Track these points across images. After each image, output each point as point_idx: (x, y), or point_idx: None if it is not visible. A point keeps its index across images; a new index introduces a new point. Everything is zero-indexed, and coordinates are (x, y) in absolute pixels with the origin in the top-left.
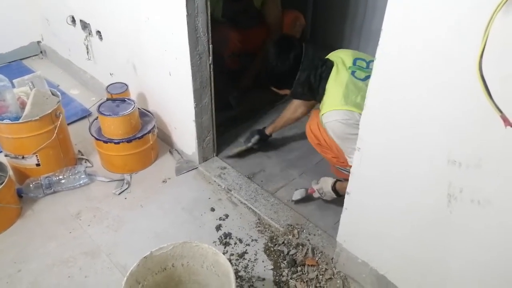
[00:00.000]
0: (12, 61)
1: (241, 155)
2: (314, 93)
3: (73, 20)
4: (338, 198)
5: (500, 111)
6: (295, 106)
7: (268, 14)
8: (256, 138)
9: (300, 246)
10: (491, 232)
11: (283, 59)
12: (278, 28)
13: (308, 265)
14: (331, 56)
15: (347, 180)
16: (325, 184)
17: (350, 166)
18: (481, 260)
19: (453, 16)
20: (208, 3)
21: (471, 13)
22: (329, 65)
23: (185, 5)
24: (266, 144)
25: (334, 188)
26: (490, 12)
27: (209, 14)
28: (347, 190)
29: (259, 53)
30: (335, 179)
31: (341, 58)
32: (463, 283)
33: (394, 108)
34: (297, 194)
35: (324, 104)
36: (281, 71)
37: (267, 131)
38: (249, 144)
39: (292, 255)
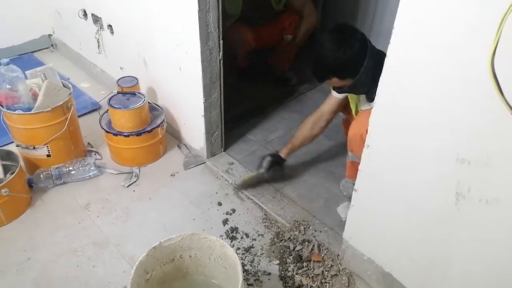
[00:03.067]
0: (24, 54)
1: (252, 185)
2: (374, 84)
3: (85, 14)
4: None
5: None
6: (313, 122)
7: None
8: (268, 160)
9: (306, 242)
10: (498, 231)
11: (350, 44)
12: (309, 12)
13: (314, 261)
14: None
15: None
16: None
17: None
18: (487, 259)
19: (465, 15)
20: None
21: (484, 11)
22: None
23: (197, 0)
24: (282, 170)
25: None
26: (503, 10)
27: (220, 9)
28: (355, 187)
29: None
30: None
31: None
32: (469, 281)
33: (404, 105)
34: (344, 210)
35: None
36: (348, 57)
37: (282, 154)
38: (262, 170)
39: (298, 250)
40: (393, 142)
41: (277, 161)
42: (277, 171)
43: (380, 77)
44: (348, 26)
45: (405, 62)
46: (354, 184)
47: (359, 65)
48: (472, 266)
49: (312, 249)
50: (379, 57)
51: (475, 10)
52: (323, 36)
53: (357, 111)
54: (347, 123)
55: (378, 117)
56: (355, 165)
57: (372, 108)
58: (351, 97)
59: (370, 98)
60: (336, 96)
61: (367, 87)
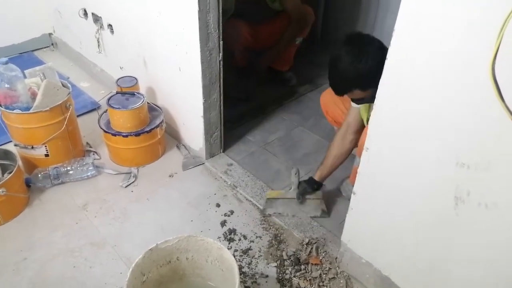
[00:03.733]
0: (24, 52)
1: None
2: None
3: (85, 13)
4: None
5: None
6: (341, 138)
7: (286, 2)
8: (303, 188)
9: (304, 245)
10: (497, 236)
11: (372, 53)
12: (299, 17)
13: (311, 263)
14: None
15: None
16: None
17: None
18: (486, 263)
19: (467, 19)
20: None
21: (485, 15)
22: None
23: (197, 0)
24: (315, 197)
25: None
26: (504, 15)
27: (220, 10)
28: (354, 190)
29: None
30: None
31: None
32: (468, 285)
33: (403, 109)
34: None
35: None
36: (370, 66)
37: (316, 178)
38: (294, 192)
39: (296, 253)
40: (393, 145)
41: (313, 187)
42: (312, 200)
43: (380, 80)
44: (362, 35)
45: (405, 65)
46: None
47: (380, 74)
48: (471, 271)
49: (310, 252)
50: None
51: (477, 14)
52: (339, 49)
53: (368, 120)
54: None
55: (378, 120)
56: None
57: None
58: (364, 106)
59: None
60: (356, 106)
61: None
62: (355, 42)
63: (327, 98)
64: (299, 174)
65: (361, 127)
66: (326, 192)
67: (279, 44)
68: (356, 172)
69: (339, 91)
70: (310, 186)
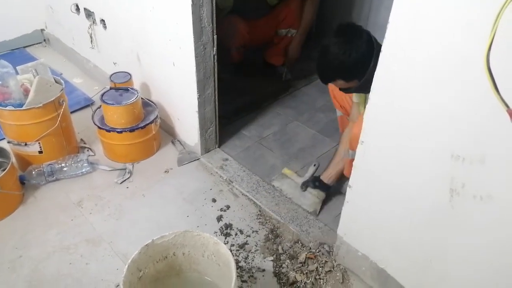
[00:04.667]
0: (15, 49)
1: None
2: None
3: (77, 8)
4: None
5: (507, 106)
6: (346, 136)
7: None
8: (307, 181)
9: (299, 241)
10: (492, 228)
11: (356, 47)
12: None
13: (308, 257)
14: None
15: None
16: None
17: None
18: (481, 255)
19: (461, 9)
20: None
21: (480, 6)
22: None
23: None
24: (317, 197)
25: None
26: (499, 6)
27: (214, 4)
28: (349, 183)
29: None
30: None
31: None
32: (462, 277)
33: (398, 101)
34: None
35: None
36: (355, 58)
37: (325, 179)
38: (302, 189)
39: (292, 247)
40: (388, 138)
41: (313, 183)
42: (312, 195)
43: (375, 73)
44: (352, 27)
45: (400, 58)
46: None
47: (365, 66)
48: (466, 263)
49: (305, 246)
50: None
51: (472, 7)
52: (328, 39)
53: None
54: (343, 120)
55: (373, 113)
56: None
57: None
58: (360, 97)
59: None
60: (356, 101)
61: None
62: (344, 33)
63: None
64: (317, 168)
65: None
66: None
67: (302, 28)
68: (349, 164)
69: (323, 79)
70: (312, 182)
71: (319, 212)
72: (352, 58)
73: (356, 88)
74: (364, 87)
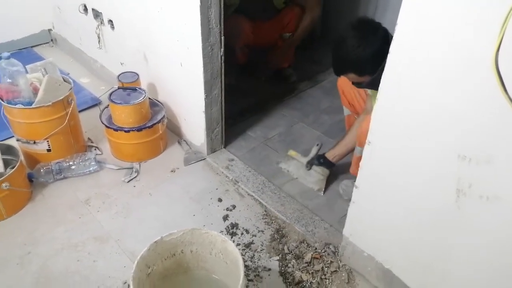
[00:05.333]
0: (23, 48)
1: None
2: None
3: (85, 9)
4: None
5: None
6: (360, 120)
7: None
8: (312, 158)
9: (305, 242)
10: (498, 229)
11: (371, 42)
12: (313, 7)
13: (313, 257)
14: None
15: None
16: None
17: None
18: (487, 256)
19: (469, 11)
20: None
21: (489, 7)
22: None
23: None
24: (322, 174)
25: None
26: (508, 7)
27: (222, 5)
28: (356, 183)
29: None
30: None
31: None
32: (468, 278)
33: (406, 102)
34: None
35: None
36: (368, 55)
37: (329, 156)
38: (307, 168)
39: (298, 247)
40: (395, 139)
41: (318, 160)
42: (317, 173)
43: (383, 73)
44: (369, 22)
45: (408, 59)
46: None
47: (378, 63)
48: (473, 263)
49: (311, 246)
50: None
51: (480, 6)
52: (346, 31)
53: None
54: (350, 120)
55: (380, 113)
56: (358, 159)
57: None
58: (373, 93)
59: None
60: (370, 93)
61: None
62: (361, 28)
63: (344, 78)
64: (320, 147)
65: None
66: (328, 189)
67: (294, 37)
68: (357, 162)
69: (336, 71)
70: (317, 159)
71: (324, 190)
72: (366, 53)
73: (367, 83)
74: (375, 84)
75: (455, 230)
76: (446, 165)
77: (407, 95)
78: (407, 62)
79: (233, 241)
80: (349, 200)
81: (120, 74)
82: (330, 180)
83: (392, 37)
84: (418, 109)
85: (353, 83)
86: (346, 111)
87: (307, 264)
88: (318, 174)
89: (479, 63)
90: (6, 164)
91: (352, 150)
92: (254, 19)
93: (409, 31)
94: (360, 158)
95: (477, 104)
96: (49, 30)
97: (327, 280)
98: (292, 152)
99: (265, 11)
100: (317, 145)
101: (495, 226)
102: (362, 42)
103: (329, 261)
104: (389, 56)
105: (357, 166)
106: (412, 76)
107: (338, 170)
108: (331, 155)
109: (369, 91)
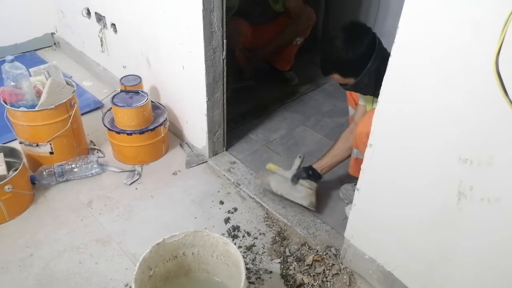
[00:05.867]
0: (26, 52)
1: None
2: (377, 86)
3: (88, 12)
4: None
5: None
6: (350, 131)
7: (289, 1)
8: (299, 171)
9: (306, 244)
10: (500, 231)
11: (356, 46)
12: (299, 17)
13: (314, 260)
14: None
15: None
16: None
17: None
18: (488, 258)
19: (471, 14)
20: None
21: (490, 10)
22: None
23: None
24: (310, 188)
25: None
26: (508, 10)
27: (224, 9)
28: (357, 186)
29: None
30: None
31: None
32: (469, 280)
33: (407, 104)
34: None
35: None
36: (352, 57)
37: (315, 166)
38: (294, 182)
39: (299, 249)
40: (396, 141)
41: (306, 172)
42: (305, 187)
43: (384, 76)
44: (360, 26)
45: (409, 62)
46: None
47: (362, 67)
48: (474, 266)
49: (312, 248)
50: (386, 62)
51: (480, 12)
52: (336, 32)
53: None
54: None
55: (381, 115)
56: (359, 162)
57: None
58: (366, 99)
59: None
60: (362, 104)
61: (371, 89)
62: (350, 31)
63: None
64: (303, 160)
65: None
66: (329, 192)
67: (277, 40)
68: (355, 163)
69: (322, 71)
70: (305, 171)
71: (316, 204)
72: (350, 56)
73: (351, 86)
74: (359, 87)
75: (457, 233)
76: (448, 167)
77: (408, 98)
78: (408, 65)
79: (235, 244)
80: (349, 203)
81: (123, 77)
82: (321, 194)
83: (380, 42)
84: (419, 111)
85: (340, 85)
86: (351, 111)
87: (308, 267)
88: (306, 188)
89: (480, 65)
90: (9, 166)
91: (341, 161)
92: (253, 22)
93: (410, 34)
94: (356, 159)
95: (478, 107)
96: (52, 33)
97: (329, 283)
98: (271, 166)
99: (264, 14)
100: (300, 157)
101: (497, 229)
102: (348, 45)
103: (330, 264)
104: (390, 58)
105: (355, 166)
106: (414, 79)
107: (340, 171)
108: (319, 167)
109: (361, 101)
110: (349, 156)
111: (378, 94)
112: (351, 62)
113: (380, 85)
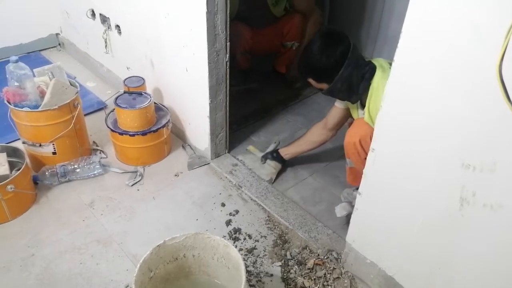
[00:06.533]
0: (31, 52)
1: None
2: (351, 93)
3: (93, 14)
4: None
5: None
6: (320, 126)
7: (298, 3)
8: (266, 153)
9: (307, 248)
10: (502, 237)
11: (329, 53)
12: (313, 11)
13: (316, 264)
14: (372, 60)
15: None
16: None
17: None
18: (490, 264)
19: (474, 21)
20: (228, 1)
21: (493, 17)
22: (372, 66)
23: (206, 2)
24: (274, 166)
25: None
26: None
27: (228, 12)
28: (359, 190)
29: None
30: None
31: (380, 63)
32: (471, 285)
33: (410, 110)
34: (342, 210)
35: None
36: (325, 65)
37: (280, 150)
38: (262, 161)
39: (300, 253)
40: (398, 146)
41: (271, 154)
42: (270, 166)
43: (387, 81)
44: (336, 34)
45: (412, 67)
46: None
47: (335, 73)
48: (476, 272)
49: (313, 252)
50: (359, 69)
51: (485, 15)
52: (314, 37)
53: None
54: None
55: (384, 121)
56: (353, 171)
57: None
58: (350, 105)
59: (363, 105)
60: (338, 106)
61: (345, 95)
62: (326, 38)
63: None
64: (277, 145)
65: (338, 126)
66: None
67: (303, 45)
68: (350, 172)
69: (299, 73)
70: (271, 154)
71: (274, 180)
72: (323, 62)
73: (326, 91)
74: (333, 93)
75: (459, 238)
76: (450, 173)
77: (411, 103)
78: (411, 69)
79: (236, 246)
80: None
81: (126, 78)
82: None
83: (353, 51)
84: (421, 117)
85: (318, 89)
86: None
87: (309, 270)
88: (271, 167)
89: (482, 71)
90: (12, 166)
91: (303, 152)
92: (253, 26)
93: (413, 39)
94: (351, 168)
95: (481, 112)
96: (57, 34)
97: (330, 287)
98: (251, 148)
99: (263, 18)
100: (275, 143)
101: (499, 234)
102: (321, 51)
103: (331, 268)
104: (393, 64)
105: (350, 175)
106: (417, 84)
107: (342, 174)
108: (283, 152)
109: (337, 103)
110: (313, 148)
111: (355, 101)
112: (324, 68)
113: (353, 91)
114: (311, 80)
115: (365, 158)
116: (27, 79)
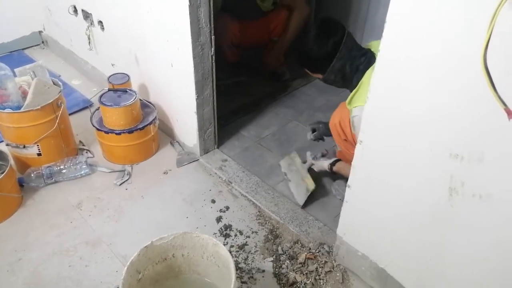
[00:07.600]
0: (14, 51)
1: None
2: (346, 83)
3: (75, 10)
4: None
5: (504, 104)
6: None
7: None
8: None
9: (299, 242)
10: (491, 227)
11: (321, 44)
12: (302, 7)
13: (307, 258)
14: (373, 45)
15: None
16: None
17: None
18: (480, 254)
19: (457, 8)
20: None
21: (477, 4)
22: (370, 56)
23: None
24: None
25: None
26: (496, 4)
27: (211, 5)
28: (348, 183)
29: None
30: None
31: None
32: (462, 276)
33: (397, 101)
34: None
35: (358, 97)
36: (317, 55)
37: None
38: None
39: (292, 247)
40: (386, 138)
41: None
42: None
43: (373, 72)
44: (330, 24)
45: (398, 57)
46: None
47: (327, 65)
48: (466, 262)
49: (305, 246)
50: (353, 61)
51: (470, 3)
52: (310, 27)
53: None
54: None
55: (371, 112)
56: (342, 156)
57: None
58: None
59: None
60: None
61: (340, 85)
62: (320, 28)
63: None
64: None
65: None
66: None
67: (284, 37)
68: (341, 155)
69: (295, 61)
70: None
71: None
72: (313, 53)
73: (322, 81)
74: (328, 82)
75: (449, 229)
76: (438, 163)
77: (397, 95)
78: (397, 61)
79: (227, 243)
80: (342, 199)
81: (111, 75)
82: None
83: (348, 42)
84: (408, 108)
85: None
86: None
87: (301, 265)
88: (304, 179)
89: (468, 61)
90: None
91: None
92: (240, 19)
93: (398, 30)
94: (340, 152)
95: (468, 103)
96: (40, 32)
97: (322, 281)
98: (293, 157)
99: (250, 11)
100: (311, 155)
101: (489, 224)
102: (314, 43)
103: (323, 261)
104: (379, 54)
105: (340, 155)
106: (403, 75)
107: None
108: (337, 168)
109: None
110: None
111: (351, 89)
112: (317, 59)
113: (347, 82)
114: (305, 69)
115: (345, 139)
116: (7, 79)
